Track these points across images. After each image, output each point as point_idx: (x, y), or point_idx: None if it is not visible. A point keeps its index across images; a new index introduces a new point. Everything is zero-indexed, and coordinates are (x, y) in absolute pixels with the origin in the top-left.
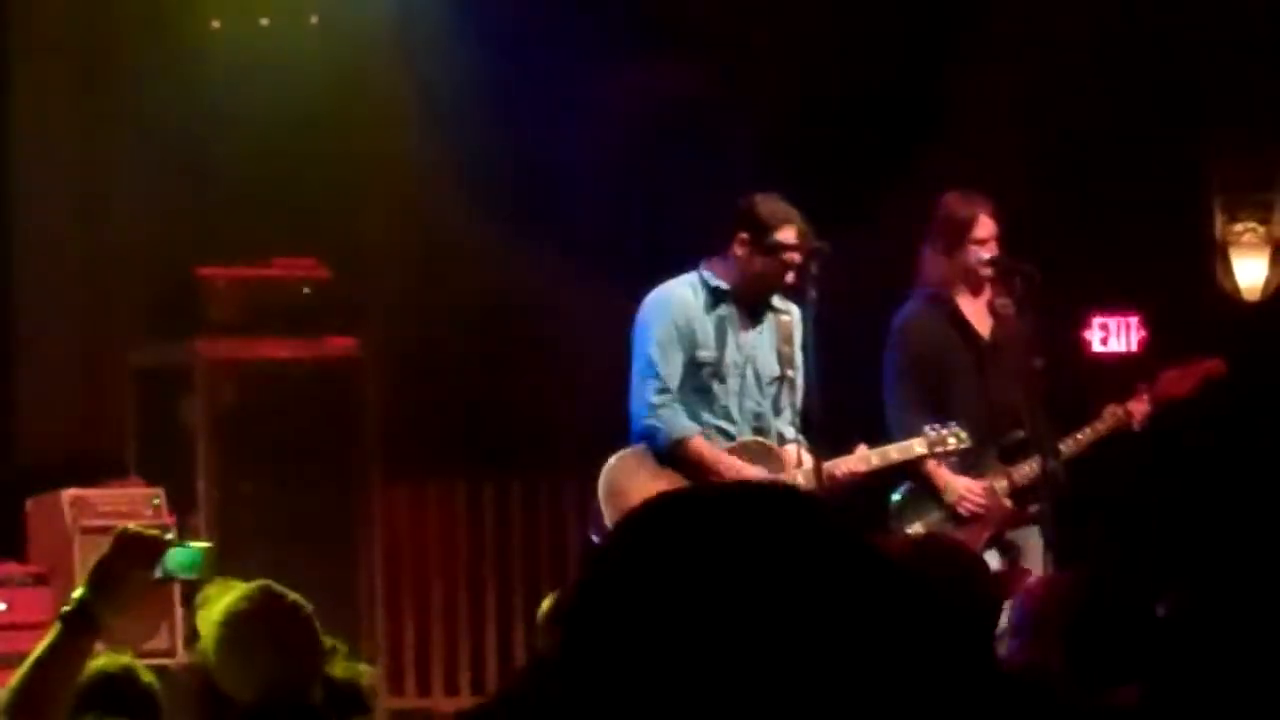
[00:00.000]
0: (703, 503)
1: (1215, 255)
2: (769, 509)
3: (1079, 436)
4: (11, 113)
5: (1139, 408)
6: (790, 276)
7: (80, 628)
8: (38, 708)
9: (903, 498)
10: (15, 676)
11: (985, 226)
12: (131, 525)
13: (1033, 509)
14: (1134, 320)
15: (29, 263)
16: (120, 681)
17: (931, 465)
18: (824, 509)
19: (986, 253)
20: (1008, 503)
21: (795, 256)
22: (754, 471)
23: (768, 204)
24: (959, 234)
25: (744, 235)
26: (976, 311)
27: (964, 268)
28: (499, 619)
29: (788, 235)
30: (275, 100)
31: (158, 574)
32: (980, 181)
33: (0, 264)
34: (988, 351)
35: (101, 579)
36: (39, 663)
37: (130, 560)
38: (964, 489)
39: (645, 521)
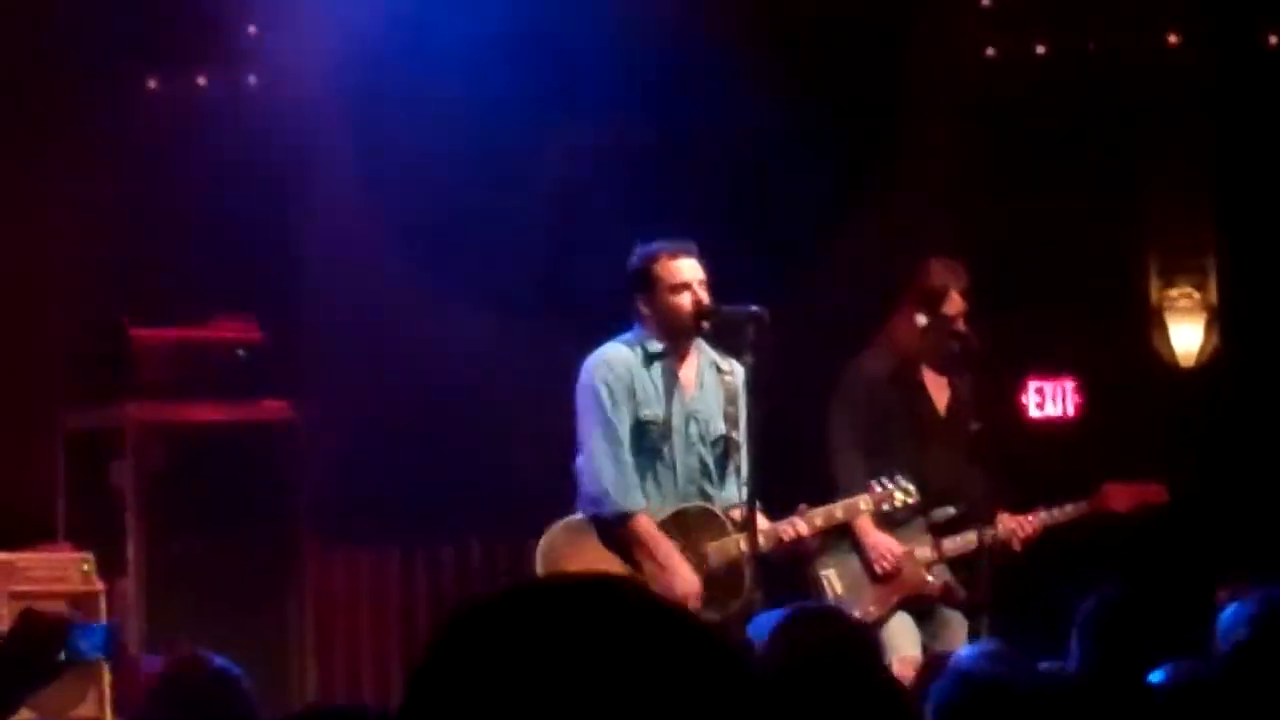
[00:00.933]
0: (518, 602)
1: (1151, 321)
2: (585, 603)
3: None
4: None
5: (1025, 529)
6: (702, 294)
7: None
8: None
9: (826, 536)
10: None
11: (955, 304)
12: (33, 606)
13: (952, 586)
14: (1070, 385)
15: None
16: None
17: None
18: (643, 602)
19: (953, 328)
20: (926, 574)
21: (683, 274)
22: (681, 565)
23: (641, 254)
24: (931, 304)
25: (638, 295)
26: (937, 386)
27: (928, 333)
28: None
29: (666, 265)
30: (211, 159)
31: (62, 656)
32: (919, 243)
33: None
34: (938, 425)
35: (5, 663)
36: None
37: (33, 644)
38: (884, 548)
39: (461, 633)
